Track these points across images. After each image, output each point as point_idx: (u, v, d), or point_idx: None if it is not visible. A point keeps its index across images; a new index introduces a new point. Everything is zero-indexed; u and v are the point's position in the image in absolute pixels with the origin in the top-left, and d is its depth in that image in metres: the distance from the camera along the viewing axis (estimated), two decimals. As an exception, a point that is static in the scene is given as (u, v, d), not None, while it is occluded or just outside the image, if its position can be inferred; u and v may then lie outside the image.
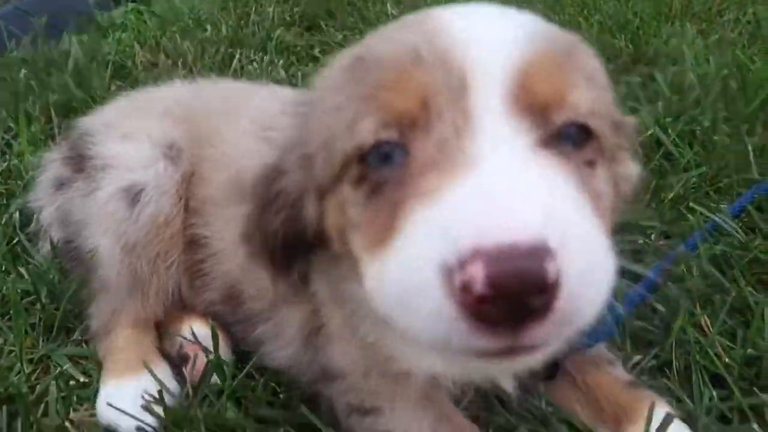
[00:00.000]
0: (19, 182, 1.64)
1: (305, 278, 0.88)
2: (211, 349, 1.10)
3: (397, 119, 0.65)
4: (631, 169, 0.82)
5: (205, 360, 1.10)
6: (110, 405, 1.03)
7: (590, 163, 0.69)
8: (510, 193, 0.56)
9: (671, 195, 1.46)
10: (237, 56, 2.32)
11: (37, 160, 1.51)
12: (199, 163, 1.17)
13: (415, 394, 0.92)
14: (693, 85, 1.86)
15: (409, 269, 0.57)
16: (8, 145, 1.88)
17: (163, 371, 1.11)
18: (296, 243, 0.82)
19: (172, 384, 1.10)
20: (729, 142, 1.61)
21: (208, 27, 2.63)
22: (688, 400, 1.01)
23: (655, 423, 0.91)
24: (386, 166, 0.66)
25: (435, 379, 0.91)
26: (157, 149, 1.16)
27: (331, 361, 0.95)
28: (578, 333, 0.61)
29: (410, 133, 0.65)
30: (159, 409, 1.02)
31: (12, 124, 1.94)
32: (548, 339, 0.55)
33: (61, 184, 1.24)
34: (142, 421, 1.01)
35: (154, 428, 1.02)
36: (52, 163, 1.30)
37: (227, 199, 1.10)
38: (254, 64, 2.28)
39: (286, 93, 1.28)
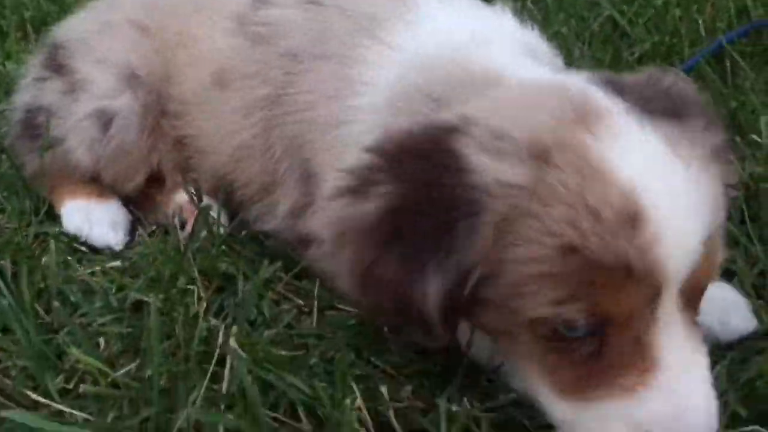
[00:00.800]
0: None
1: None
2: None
3: (604, 316, 0.71)
4: None
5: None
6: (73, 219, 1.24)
7: None
8: (691, 398, 0.71)
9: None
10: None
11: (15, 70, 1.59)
12: (173, 67, 1.26)
13: None
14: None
15: None
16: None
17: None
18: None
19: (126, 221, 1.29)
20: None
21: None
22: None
23: None
24: (577, 334, 0.73)
25: None
26: (124, 82, 1.27)
27: (307, 229, 1.03)
28: None
29: (611, 325, 0.72)
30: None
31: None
32: None
33: (39, 81, 1.35)
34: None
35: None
36: (32, 67, 1.40)
37: (208, 95, 1.20)
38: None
39: None
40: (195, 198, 1.20)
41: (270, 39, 1.16)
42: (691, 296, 0.74)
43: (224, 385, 0.85)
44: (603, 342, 0.72)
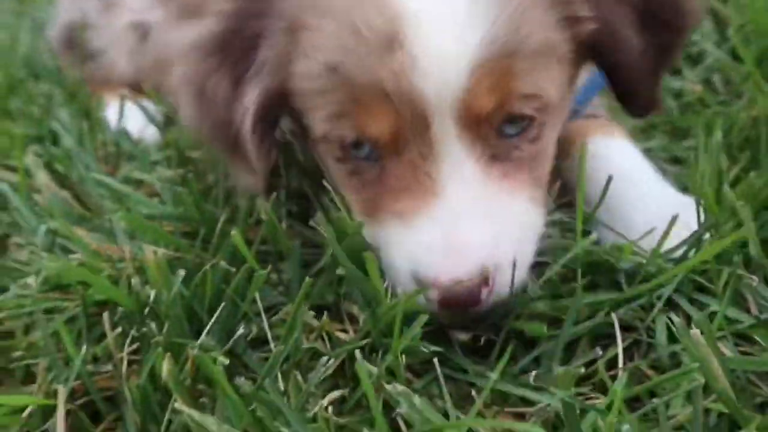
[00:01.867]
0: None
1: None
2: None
3: (372, 140, 0.72)
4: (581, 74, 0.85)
5: None
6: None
7: (535, 138, 0.75)
8: (461, 232, 0.69)
9: None
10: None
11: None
12: None
13: None
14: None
15: (391, 265, 0.73)
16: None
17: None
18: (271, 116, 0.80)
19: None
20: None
21: None
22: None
23: (600, 149, 0.88)
24: (363, 158, 0.74)
25: None
26: None
27: None
28: None
29: (383, 149, 0.72)
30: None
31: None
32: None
33: None
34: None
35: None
36: None
37: None
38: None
39: None
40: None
41: None
42: (477, 128, 0.71)
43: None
44: (382, 167, 0.73)
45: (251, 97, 0.75)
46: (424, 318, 0.65)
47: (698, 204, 0.78)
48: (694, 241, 0.76)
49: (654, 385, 0.63)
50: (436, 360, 0.66)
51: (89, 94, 1.38)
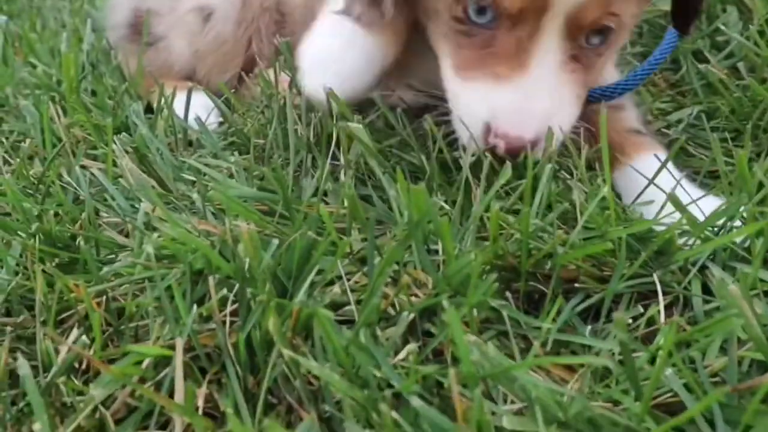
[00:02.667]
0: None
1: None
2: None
3: (501, 10, 0.89)
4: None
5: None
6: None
7: (601, 54, 0.97)
8: (535, 103, 0.90)
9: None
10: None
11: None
12: None
13: None
14: None
15: (468, 114, 0.93)
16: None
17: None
18: None
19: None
20: None
21: None
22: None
23: (644, 166, 0.99)
24: (480, 23, 0.92)
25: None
26: None
27: None
28: None
29: (504, 20, 0.90)
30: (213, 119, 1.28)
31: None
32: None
33: None
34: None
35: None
36: None
37: None
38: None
39: None
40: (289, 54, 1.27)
41: None
42: (574, 32, 0.90)
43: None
44: (494, 35, 0.90)
45: None
46: (493, 276, 0.74)
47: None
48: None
49: (693, 334, 0.72)
50: (505, 314, 0.76)
51: (149, 85, 1.44)
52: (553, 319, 0.78)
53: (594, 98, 1.06)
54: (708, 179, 1.08)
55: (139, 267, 0.83)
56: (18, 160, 1.17)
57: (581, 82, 0.96)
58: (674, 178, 0.97)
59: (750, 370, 0.73)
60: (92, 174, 1.08)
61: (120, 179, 1.07)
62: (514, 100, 0.90)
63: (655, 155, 1.00)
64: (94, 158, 1.20)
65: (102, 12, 1.83)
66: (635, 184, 0.98)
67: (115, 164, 1.09)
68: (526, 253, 0.82)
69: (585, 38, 0.93)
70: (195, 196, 0.94)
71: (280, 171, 0.98)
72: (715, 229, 0.87)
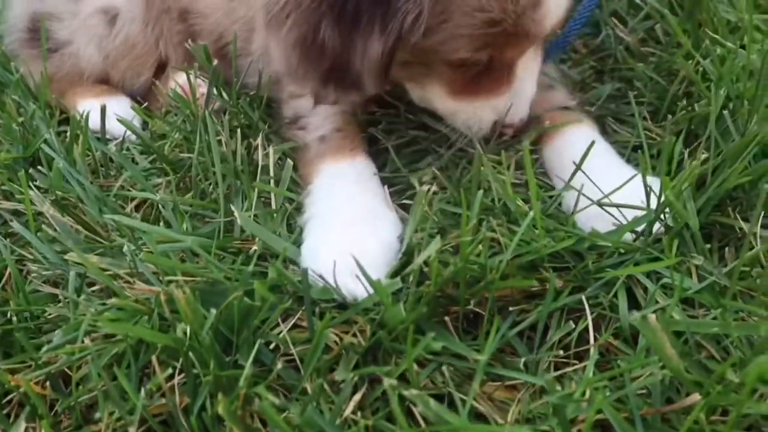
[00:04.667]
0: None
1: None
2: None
3: (504, 61, 1.01)
4: None
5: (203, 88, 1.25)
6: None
7: None
8: (525, 99, 1.06)
9: None
10: None
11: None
12: None
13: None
14: None
15: (476, 122, 1.07)
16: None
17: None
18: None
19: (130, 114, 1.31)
20: None
21: None
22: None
23: (573, 139, 1.07)
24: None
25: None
26: None
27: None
28: None
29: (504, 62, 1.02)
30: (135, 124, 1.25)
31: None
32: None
33: None
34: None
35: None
36: None
37: None
38: None
39: None
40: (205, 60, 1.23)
41: None
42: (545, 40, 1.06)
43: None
44: (489, 67, 1.01)
45: (379, 48, 0.91)
46: (432, 333, 0.77)
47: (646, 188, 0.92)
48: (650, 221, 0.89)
49: (621, 370, 0.77)
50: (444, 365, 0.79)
51: (58, 93, 1.37)
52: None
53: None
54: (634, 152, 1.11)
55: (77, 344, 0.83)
56: None
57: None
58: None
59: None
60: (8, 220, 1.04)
61: (43, 225, 1.03)
62: (510, 101, 1.05)
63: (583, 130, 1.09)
64: (5, 196, 1.15)
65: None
66: (565, 161, 1.04)
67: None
68: (464, 284, 0.85)
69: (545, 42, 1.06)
70: (126, 248, 0.92)
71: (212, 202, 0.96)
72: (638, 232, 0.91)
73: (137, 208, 1.11)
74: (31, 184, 1.08)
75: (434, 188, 0.99)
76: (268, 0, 0.93)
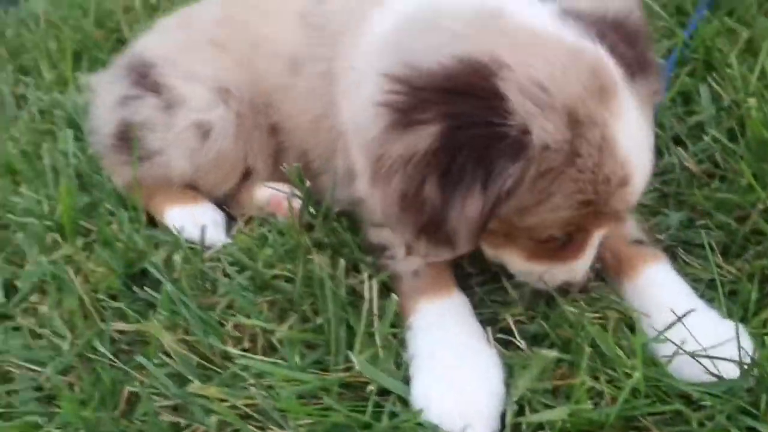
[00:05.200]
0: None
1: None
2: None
3: (588, 235, 1.09)
4: None
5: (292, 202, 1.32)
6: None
7: None
8: (584, 266, 1.13)
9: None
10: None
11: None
12: (254, 70, 1.42)
13: None
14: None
15: (547, 279, 1.11)
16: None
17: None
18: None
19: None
20: None
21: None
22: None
23: (654, 278, 1.13)
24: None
25: None
26: (216, 94, 1.42)
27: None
28: None
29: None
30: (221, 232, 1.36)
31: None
32: None
33: (131, 98, 1.46)
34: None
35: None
36: (109, 84, 1.52)
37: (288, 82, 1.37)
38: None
39: None
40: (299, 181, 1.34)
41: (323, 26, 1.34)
42: None
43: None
44: (569, 240, 1.07)
45: (479, 207, 0.94)
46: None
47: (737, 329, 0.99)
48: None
49: None
50: None
51: (145, 197, 1.44)
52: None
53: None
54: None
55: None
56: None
57: None
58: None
59: None
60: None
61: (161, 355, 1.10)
62: (576, 270, 1.12)
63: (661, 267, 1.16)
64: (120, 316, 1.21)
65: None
66: (648, 299, 1.12)
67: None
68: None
69: None
70: (256, 394, 0.99)
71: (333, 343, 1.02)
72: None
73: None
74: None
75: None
76: (377, 154, 0.96)
